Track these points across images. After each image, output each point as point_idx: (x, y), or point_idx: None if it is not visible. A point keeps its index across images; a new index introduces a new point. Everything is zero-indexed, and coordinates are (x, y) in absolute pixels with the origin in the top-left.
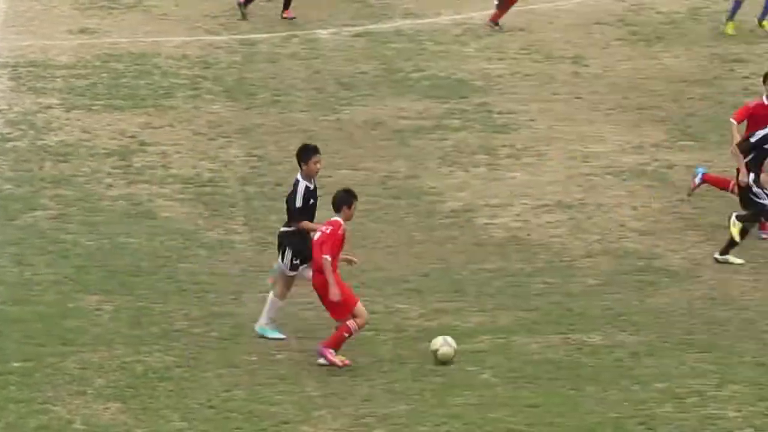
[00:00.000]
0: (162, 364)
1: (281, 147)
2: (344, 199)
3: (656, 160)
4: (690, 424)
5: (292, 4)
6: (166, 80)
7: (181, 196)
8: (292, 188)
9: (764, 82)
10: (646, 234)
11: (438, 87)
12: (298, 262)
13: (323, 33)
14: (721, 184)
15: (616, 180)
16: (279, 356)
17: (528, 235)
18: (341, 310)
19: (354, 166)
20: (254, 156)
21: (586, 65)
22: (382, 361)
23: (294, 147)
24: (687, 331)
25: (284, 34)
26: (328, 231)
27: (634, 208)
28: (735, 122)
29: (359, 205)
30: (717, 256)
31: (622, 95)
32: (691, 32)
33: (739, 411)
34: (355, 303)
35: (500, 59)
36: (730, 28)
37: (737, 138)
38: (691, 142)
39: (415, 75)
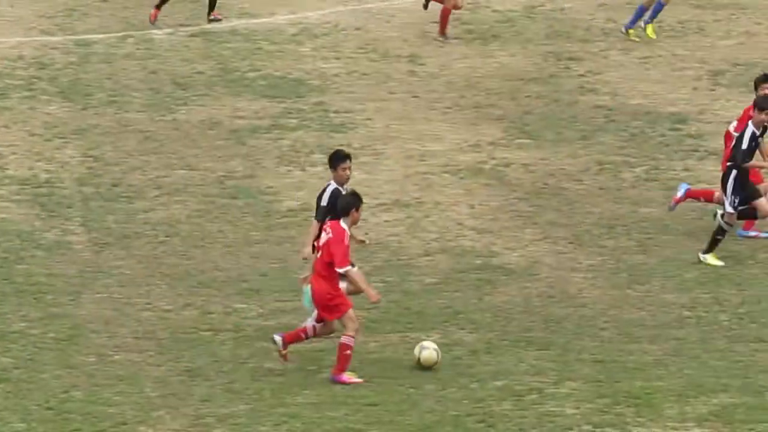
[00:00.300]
0: None
1: (117, 147)
2: (352, 203)
3: (493, 158)
4: (528, 421)
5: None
6: (1, 81)
7: (18, 197)
8: (323, 187)
9: (756, 88)
10: (484, 232)
11: (274, 86)
12: None
13: (159, 33)
14: (706, 197)
15: (454, 178)
16: (117, 357)
17: (366, 234)
18: (335, 311)
19: (191, 166)
20: (90, 157)
21: (423, 64)
22: (221, 361)
23: (130, 147)
24: (525, 328)
25: (120, 34)
26: (331, 237)
27: (472, 207)
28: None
29: (196, 205)
30: (700, 255)
31: (458, 94)
32: (526, 30)
33: (577, 408)
34: (349, 308)
35: (336, 58)
36: (650, 30)
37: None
38: (528, 140)
39: (251, 75)
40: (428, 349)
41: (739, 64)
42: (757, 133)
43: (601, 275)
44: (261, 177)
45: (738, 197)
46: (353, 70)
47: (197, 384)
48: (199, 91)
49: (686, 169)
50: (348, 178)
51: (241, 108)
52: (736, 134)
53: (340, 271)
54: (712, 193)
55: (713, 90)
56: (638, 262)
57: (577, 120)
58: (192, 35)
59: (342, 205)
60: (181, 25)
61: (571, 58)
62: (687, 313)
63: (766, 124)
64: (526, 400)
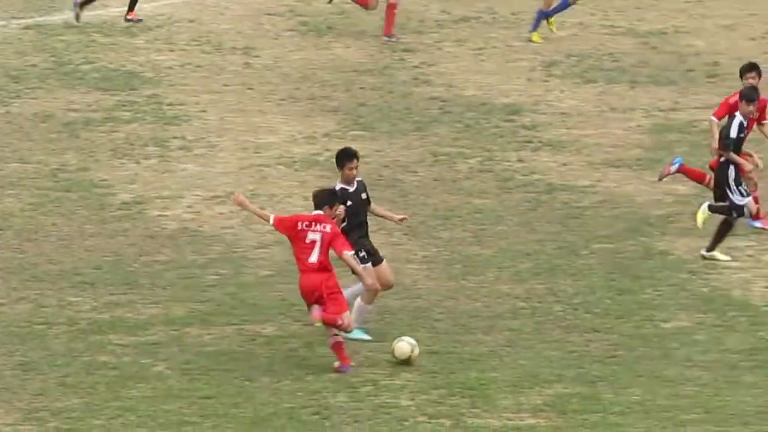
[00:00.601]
0: None
1: None
2: (327, 198)
3: (328, 149)
4: (364, 413)
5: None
6: None
7: None
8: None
9: (741, 77)
10: None
11: (108, 79)
12: (363, 254)
13: None
14: (697, 177)
15: (288, 170)
16: None
17: (200, 226)
18: (338, 308)
19: (24, 159)
20: None
21: (257, 56)
22: (55, 354)
23: None
24: (362, 320)
25: None
26: (328, 230)
27: (306, 198)
28: (716, 119)
29: (30, 198)
30: (704, 253)
31: (293, 86)
32: (361, 22)
33: (412, 399)
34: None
35: (170, 50)
36: (551, 26)
37: (717, 135)
38: (363, 132)
39: (84, 67)
40: (402, 341)
41: (572, 55)
42: (745, 123)
43: (437, 266)
44: (95, 170)
45: (742, 184)
46: (187, 62)
47: (31, 378)
48: (33, 84)
49: (520, 160)
50: (354, 177)
51: (75, 101)
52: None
53: (349, 254)
54: (704, 176)
55: (547, 81)
56: (473, 253)
57: (412, 111)
58: (25, 27)
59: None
60: (14, 18)
61: (405, 50)
62: (522, 304)
63: (753, 115)
64: (362, 392)
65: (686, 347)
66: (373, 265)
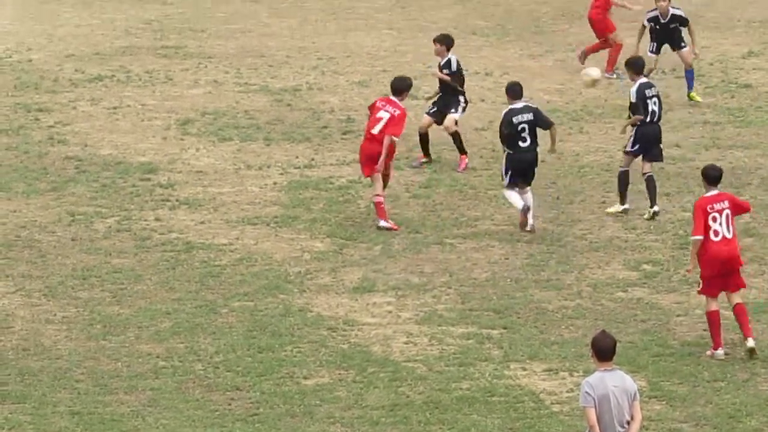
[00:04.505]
0: None
1: None
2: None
3: None
4: None
5: None
6: None
7: None
8: None
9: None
10: None
11: None
12: None
13: None
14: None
15: None
16: None
17: None
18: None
19: None
20: None
21: None
22: None
23: None
24: (0, 382)
25: None
26: (396, 114)
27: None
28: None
29: None
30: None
31: None
32: None
33: None
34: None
35: None
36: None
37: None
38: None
39: None
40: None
41: (207, 113)
42: None
43: (76, 327)
44: None
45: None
46: None
47: None
48: None
49: (158, 219)
50: None
51: None
52: None
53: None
54: None
55: (182, 139)
56: (113, 312)
57: (48, 171)
58: None
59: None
60: None
61: (39, 110)
62: (163, 363)
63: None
64: None
65: (327, 404)
66: None
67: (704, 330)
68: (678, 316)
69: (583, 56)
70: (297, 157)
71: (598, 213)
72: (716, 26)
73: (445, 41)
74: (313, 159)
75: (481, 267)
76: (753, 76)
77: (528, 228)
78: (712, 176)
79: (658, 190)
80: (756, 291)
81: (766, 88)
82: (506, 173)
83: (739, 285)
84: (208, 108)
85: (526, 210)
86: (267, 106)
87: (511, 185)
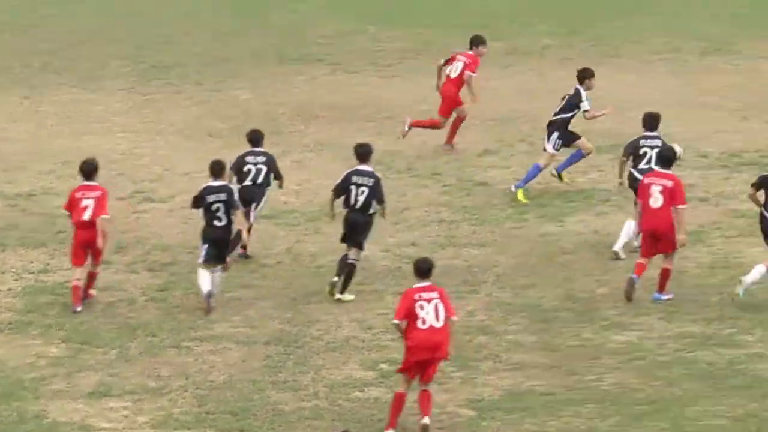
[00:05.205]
0: None
1: None
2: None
3: None
4: None
5: None
6: None
7: None
8: None
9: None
10: None
11: None
12: None
13: None
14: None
15: None
16: None
17: None
18: None
19: None
20: None
21: None
22: None
23: None
24: None
25: None
26: (100, 195)
27: None
28: None
29: None
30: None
31: None
32: None
33: None
34: None
35: None
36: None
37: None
38: None
39: None
40: None
41: None
42: None
43: None
44: None
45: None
46: None
47: None
48: None
49: None
50: None
51: None
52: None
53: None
54: None
55: None
56: None
57: None
58: None
59: None
60: None
61: None
62: None
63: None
64: None
65: None
66: None
67: (438, 429)
68: (414, 414)
69: (408, 129)
70: (32, 263)
71: (335, 313)
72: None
73: None
74: (48, 264)
75: (218, 369)
76: (489, 174)
77: (207, 311)
78: (422, 269)
79: (390, 288)
80: (490, 389)
81: (501, 186)
82: (203, 245)
83: (431, 376)
84: None
85: (208, 296)
86: (1, 212)
87: (206, 262)
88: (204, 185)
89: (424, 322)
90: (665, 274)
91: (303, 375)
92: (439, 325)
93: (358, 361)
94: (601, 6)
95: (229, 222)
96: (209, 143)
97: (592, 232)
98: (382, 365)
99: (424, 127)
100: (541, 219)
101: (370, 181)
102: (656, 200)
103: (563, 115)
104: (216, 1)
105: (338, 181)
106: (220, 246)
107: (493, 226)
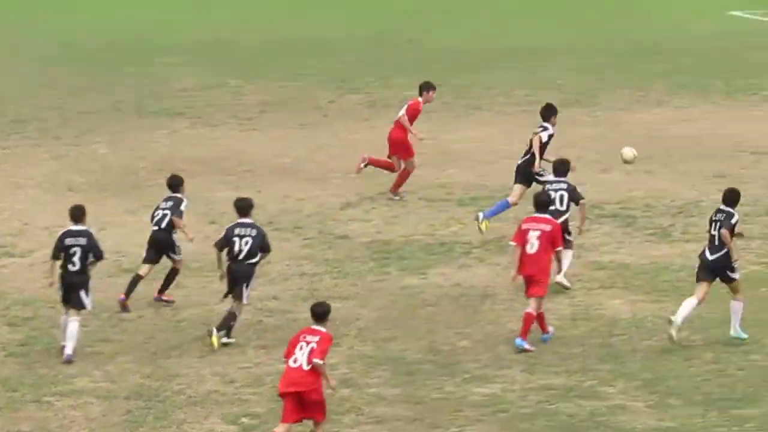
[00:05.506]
0: None
1: None
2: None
3: None
4: None
5: None
6: None
7: None
8: None
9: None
10: None
11: None
12: None
13: None
14: None
15: None
16: None
17: None
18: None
19: None
20: None
21: None
22: None
23: None
24: None
25: None
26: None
27: None
28: None
29: None
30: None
31: None
32: None
33: None
34: None
35: None
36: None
37: None
38: None
39: None
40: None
41: None
42: None
43: None
44: None
45: None
46: None
47: None
48: None
49: None
50: None
51: None
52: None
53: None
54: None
55: None
56: None
57: None
58: None
59: None
60: None
61: None
62: None
63: None
64: None
65: None
66: None
67: None
68: None
69: (365, 164)
70: None
71: (196, 367)
72: (314, 178)
73: None
74: None
75: (79, 424)
76: (349, 227)
77: (66, 360)
78: (315, 312)
79: (252, 341)
80: None
81: (362, 239)
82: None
83: (296, 418)
84: None
85: (63, 348)
86: None
87: (63, 303)
88: (64, 230)
89: (295, 362)
90: (532, 319)
91: (164, 429)
92: (298, 365)
93: (220, 415)
94: (461, 60)
95: (84, 267)
96: (69, 197)
97: (454, 284)
98: (244, 419)
99: (380, 167)
100: (403, 272)
101: (254, 231)
102: (532, 246)
103: None
104: (73, 55)
105: (220, 236)
106: (69, 291)
107: (355, 278)
